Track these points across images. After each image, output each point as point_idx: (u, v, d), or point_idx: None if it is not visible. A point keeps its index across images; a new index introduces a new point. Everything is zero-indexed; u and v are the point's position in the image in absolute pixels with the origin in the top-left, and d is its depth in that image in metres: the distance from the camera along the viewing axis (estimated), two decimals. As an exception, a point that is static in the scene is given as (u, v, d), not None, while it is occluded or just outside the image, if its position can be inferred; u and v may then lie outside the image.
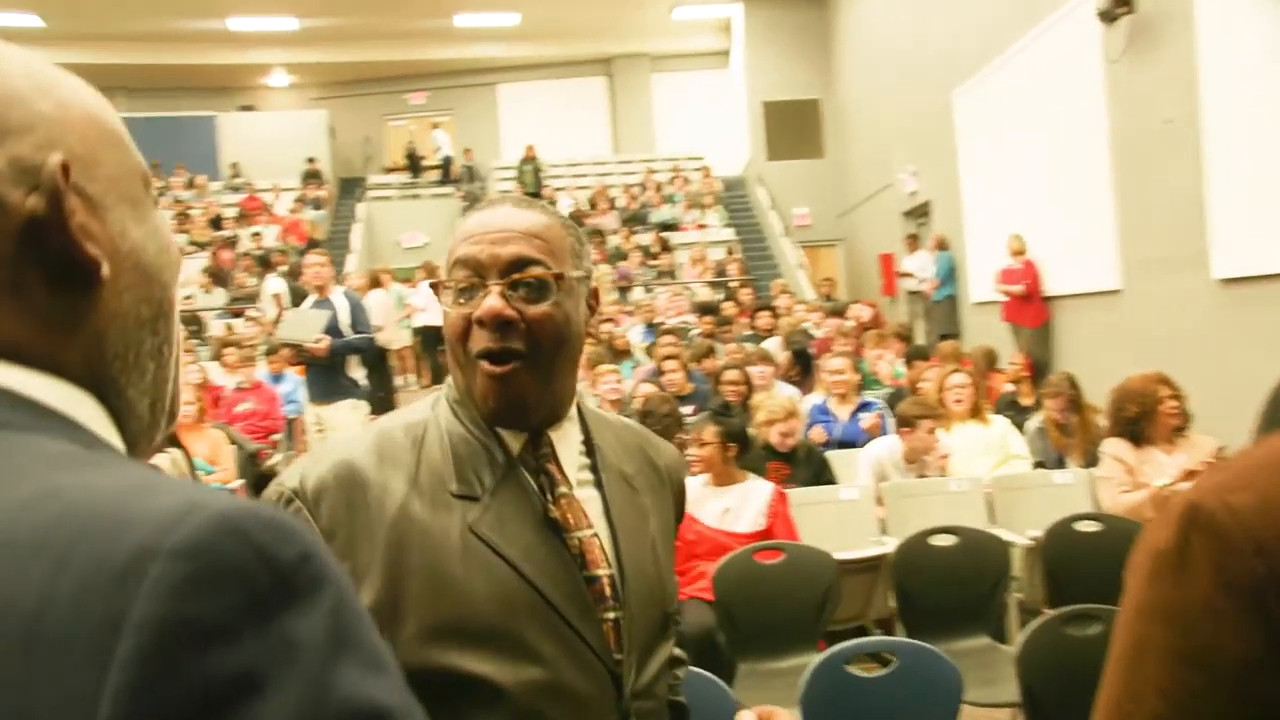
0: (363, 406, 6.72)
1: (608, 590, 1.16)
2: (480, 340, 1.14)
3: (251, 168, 18.48)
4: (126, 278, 0.61)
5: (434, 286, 1.20)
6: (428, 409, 1.22)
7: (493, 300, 1.13)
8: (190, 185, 17.89)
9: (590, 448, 1.25)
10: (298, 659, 0.43)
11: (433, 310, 12.83)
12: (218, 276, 13.82)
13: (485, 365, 1.14)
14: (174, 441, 4.85)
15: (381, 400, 11.33)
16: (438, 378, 13.01)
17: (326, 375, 6.60)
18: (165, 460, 4.89)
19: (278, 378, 8.62)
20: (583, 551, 1.16)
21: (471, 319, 1.14)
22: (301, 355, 6.69)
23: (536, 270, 1.15)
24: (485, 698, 1.06)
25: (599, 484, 1.23)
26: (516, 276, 1.15)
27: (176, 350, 0.67)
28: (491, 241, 1.16)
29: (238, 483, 6.76)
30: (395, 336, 11.65)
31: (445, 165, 19.11)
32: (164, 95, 19.42)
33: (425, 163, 19.73)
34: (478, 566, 1.09)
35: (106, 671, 0.41)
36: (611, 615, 1.16)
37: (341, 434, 6.56)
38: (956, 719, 2.49)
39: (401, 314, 12.95)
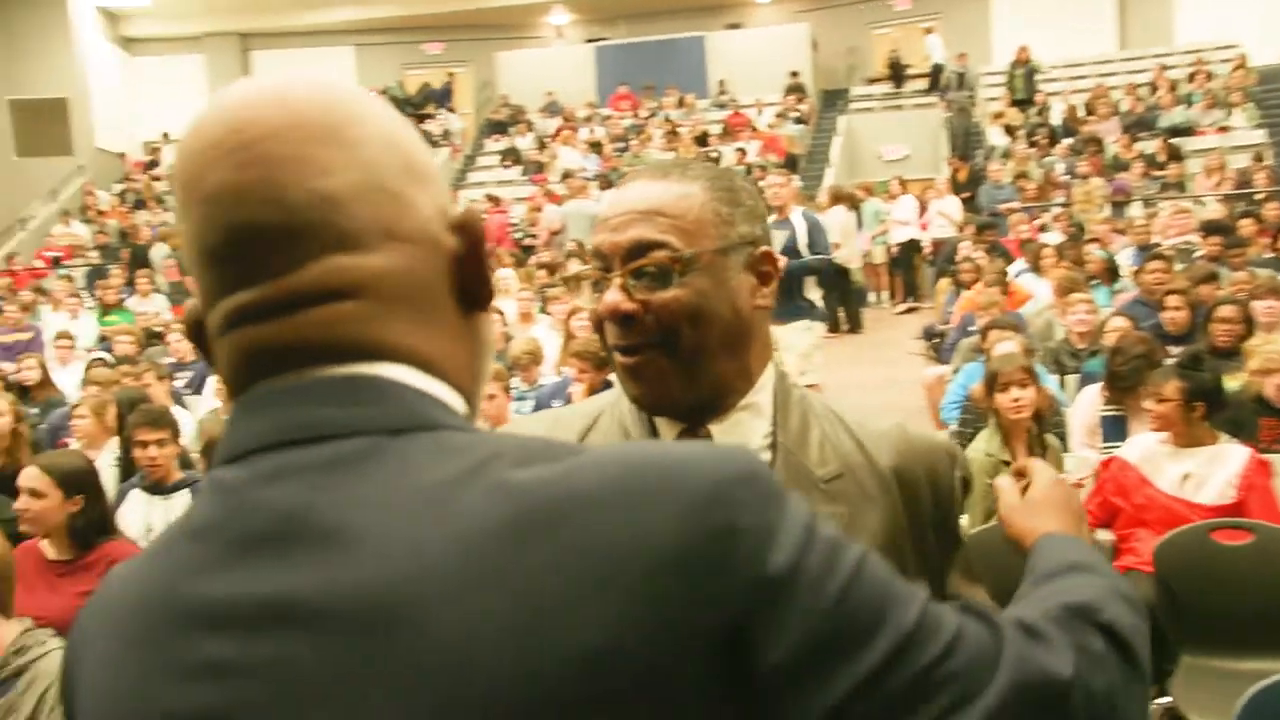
0: (817, 328, 6.79)
1: None
2: (611, 335, 1.07)
3: (737, 84, 19.13)
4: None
5: (569, 282, 1.16)
6: (615, 394, 1.17)
7: (611, 295, 1.05)
8: (680, 104, 18.96)
9: (774, 444, 1.11)
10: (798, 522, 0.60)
11: (912, 225, 12.54)
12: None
13: (619, 356, 1.08)
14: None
15: (838, 320, 11.43)
16: (912, 293, 12.77)
17: (782, 295, 6.68)
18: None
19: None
20: None
21: (599, 314, 1.08)
22: (759, 274, 6.86)
23: (658, 255, 1.04)
24: None
25: None
26: (635, 265, 1.05)
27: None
28: (613, 227, 1.07)
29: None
30: (854, 254, 11.53)
31: (935, 73, 18.14)
32: (659, 19, 20.63)
33: (910, 71, 19.04)
34: None
35: (728, 572, 0.57)
36: None
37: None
38: None
39: (877, 229, 12.82)
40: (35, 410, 6.49)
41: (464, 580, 0.55)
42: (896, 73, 19.02)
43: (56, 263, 15.80)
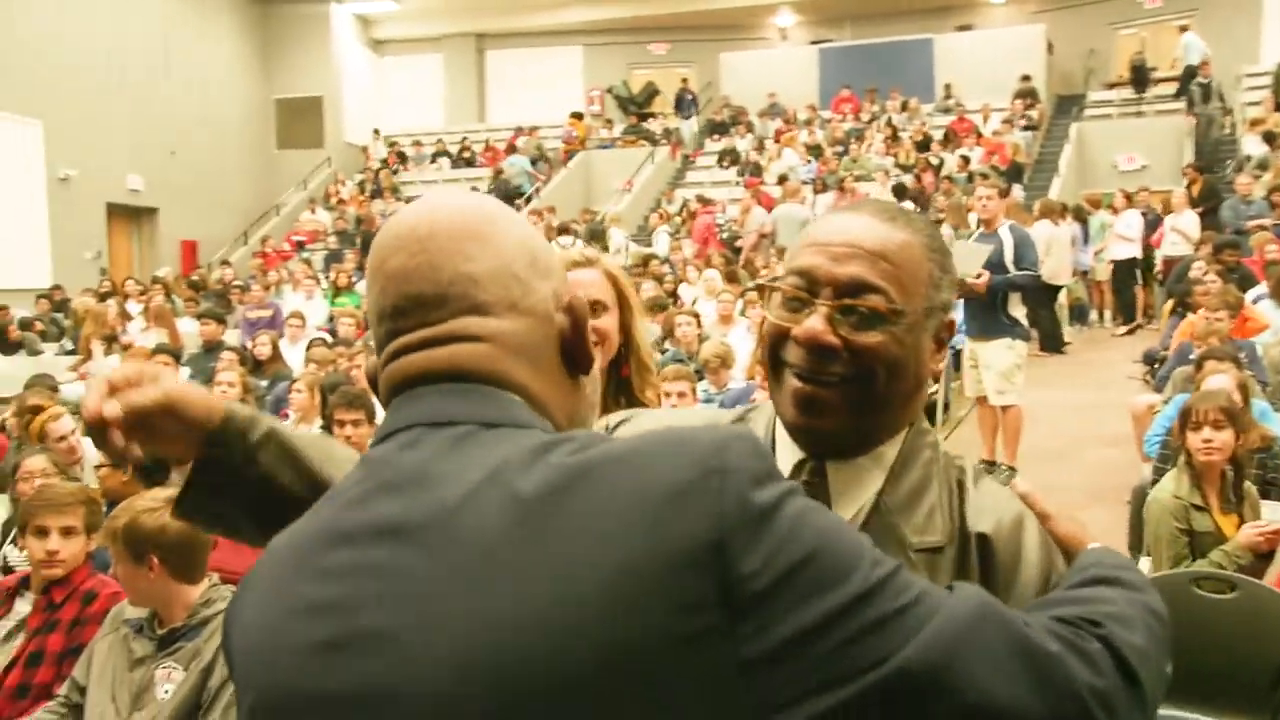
0: (1020, 346, 6.49)
1: None
2: (796, 358, 1.04)
3: (964, 88, 18.43)
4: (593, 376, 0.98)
5: (760, 290, 1.12)
6: (768, 410, 1.18)
7: (814, 321, 1.02)
8: (903, 108, 18.46)
9: (877, 502, 1.06)
10: (784, 482, 0.76)
11: (1135, 241, 11.76)
12: (917, 199, 14.17)
13: (796, 381, 1.04)
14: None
15: (1044, 340, 10.83)
16: (1130, 315, 11.97)
17: (985, 312, 6.48)
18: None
19: (948, 307, 8.64)
20: None
21: (789, 335, 1.05)
22: (961, 290, 6.63)
23: (873, 300, 1.02)
24: None
25: None
26: (849, 302, 1.02)
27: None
28: (833, 257, 1.04)
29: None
30: (1062, 270, 10.86)
31: (1186, 76, 16.50)
32: (887, 21, 20.16)
33: (1156, 74, 17.67)
34: None
35: (719, 496, 0.72)
36: None
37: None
38: None
39: (1101, 245, 12.08)
40: (264, 383, 7.09)
41: (516, 518, 0.75)
42: (1140, 76, 17.71)
43: (300, 246, 17.17)
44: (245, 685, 0.86)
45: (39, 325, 11.83)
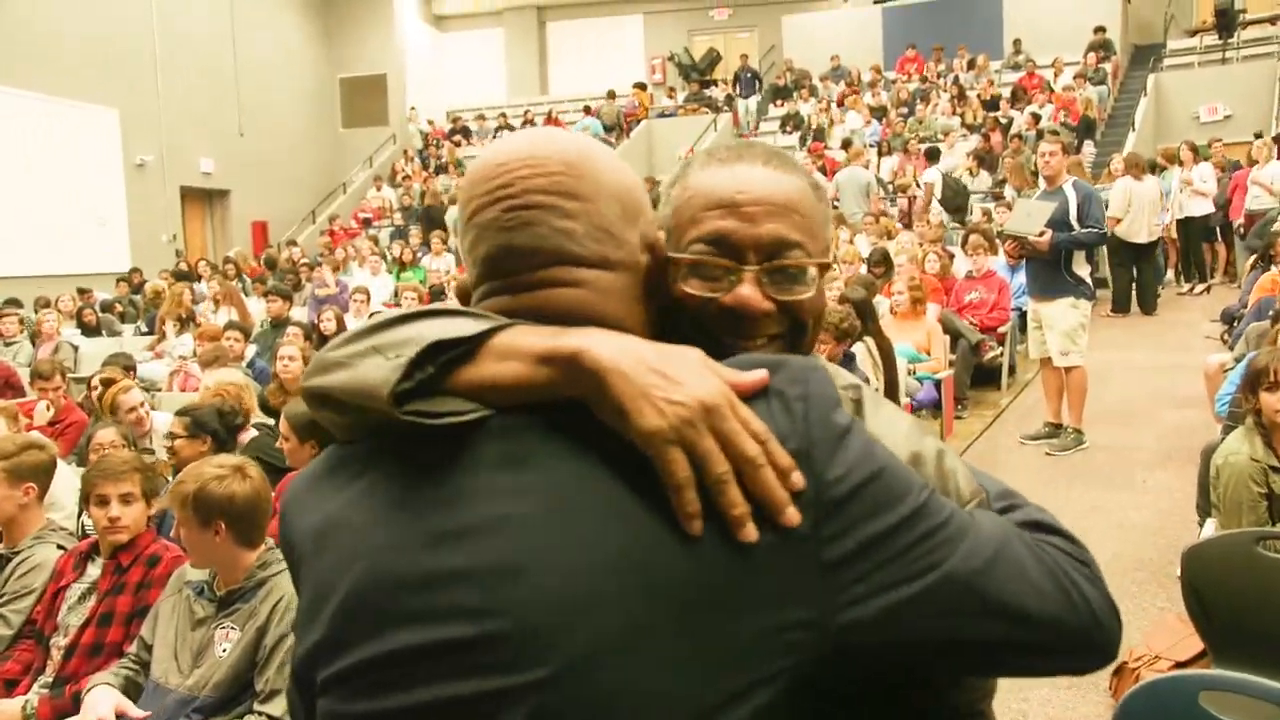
0: (1084, 305, 6.34)
1: None
2: (725, 324, 1.01)
3: (1034, 43, 17.90)
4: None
5: (674, 261, 1.02)
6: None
7: (747, 289, 1.00)
8: (970, 66, 18.02)
9: None
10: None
11: (1208, 197, 11.38)
12: (984, 160, 13.85)
13: (738, 345, 1.02)
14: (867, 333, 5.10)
15: (1128, 300, 10.53)
16: (1202, 274, 11.61)
17: (1048, 270, 6.34)
18: (860, 348, 5.20)
19: (1015, 269, 8.46)
20: None
21: (715, 304, 1.01)
22: (1024, 249, 6.49)
23: (797, 256, 1.01)
24: None
25: None
26: (777, 264, 1.01)
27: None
28: (747, 217, 1.01)
29: (946, 373, 6.91)
30: (1140, 228, 10.53)
31: None
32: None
33: (1246, 17, 16.87)
34: None
35: (806, 424, 0.82)
36: None
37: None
38: None
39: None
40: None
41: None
42: (1226, 20, 16.89)
43: (366, 223, 17.43)
44: (330, 579, 0.88)
45: (118, 307, 12.22)
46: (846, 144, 15.01)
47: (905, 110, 17.08)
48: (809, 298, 1.03)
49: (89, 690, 2.63)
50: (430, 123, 21.40)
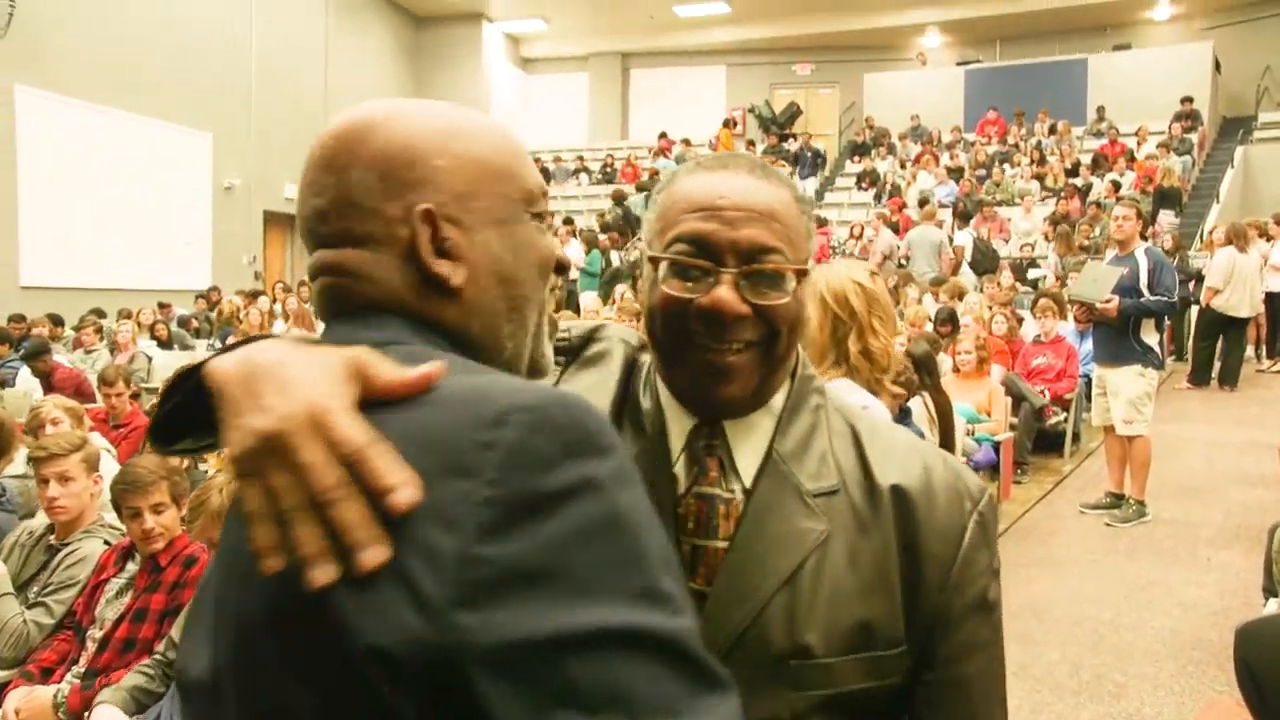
0: (1151, 374, 6.18)
1: None
2: (700, 327, 1.02)
3: (1119, 110, 17.66)
4: (485, 280, 0.86)
5: (653, 261, 1.05)
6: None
7: (723, 291, 1.00)
8: (1052, 131, 17.82)
9: (769, 450, 1.06)
10: (596, 485, 0.66)
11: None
12: (1060, 224, 13.65)
13: (699, 353, 1.02)
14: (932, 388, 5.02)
15: (1195, 371, 10.21)
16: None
17: (1115, 337, 6.21)
18: (917, 403, 5.12)
19: (1084, 334, 8.30)
20: (694, 562, 1.04)
21: (693, 307, 1.01)
22: (1092, 314, 6.36)
23: (775, 261, 1.02)
24: None
25: (751, 490, 1.06)
26: (755, 268, 1.01)
27: (533, 326, 0.91)
28: (726, 221, 1.01)
29: (1005, 435, 6.77)
30: (1241, 302, 10.24)
31: None
32: (1038, 41, 19.55)
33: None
34: None
35: (482, 476, 0.65)
36: None
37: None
38: None
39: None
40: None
41: None
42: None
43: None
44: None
45: (194, 323, 12.59)
46: (923, 202, 14.91)
47: (983, 172, 16.94)
48: (785, 303, 1.02)
49: (95, 707, 2.69)
50: (537, 157, 21.76)
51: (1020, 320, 9.49)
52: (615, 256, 14.45)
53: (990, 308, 9.46)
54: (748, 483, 1.06)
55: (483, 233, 0.86)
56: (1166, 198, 13.87)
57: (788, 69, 22.50)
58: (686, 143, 19.98)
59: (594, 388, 1.14)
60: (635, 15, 21.24)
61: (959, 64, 20.37)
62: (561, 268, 0.94)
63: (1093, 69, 18.85)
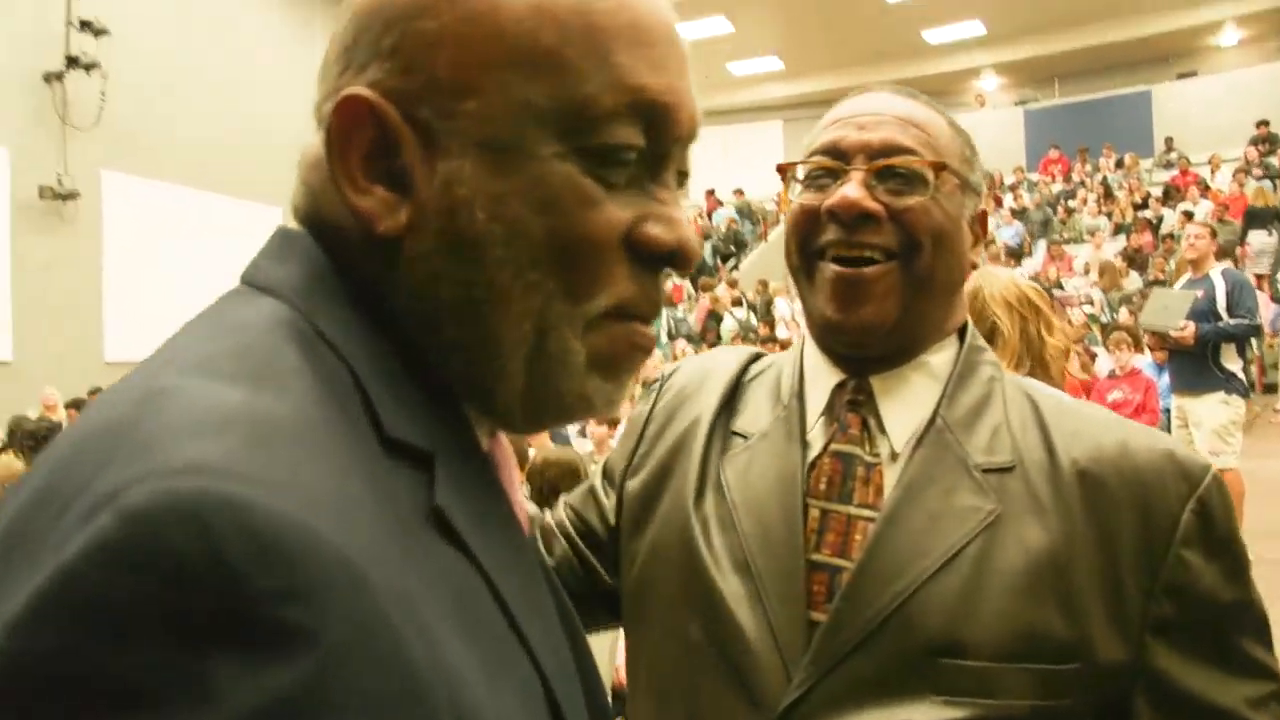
0: (1236, 402, 5.93)
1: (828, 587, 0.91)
2: (833, 235, 0.93)
3: (1188, 140, 17.29)
4: (433, 239, 0.53)
5: (780, 170, 0.99)
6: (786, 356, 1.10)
7: (851, 188, 0.91)
8: (1119, 165, 17.51)
9: (933, 417, 0.95)
10: (197, 708, 0.34)
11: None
12: (1134, 260, 13.35)
13: (835, 267, 0.93)
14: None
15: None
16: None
17: (1194, 364, 5.99)
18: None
19: (1163, 367, 8.02)
20: (822, 528, 0.93)
21: (821, 210, 0.94)
22: (1166, 343, 6.16)
23: (912, 159, 0.93)
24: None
25: (908, 458, 0.94)
26: (885, 163, 0.93)
27: (525, 338, 0.54)
28: (859, 125, 0.95)
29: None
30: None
31: None
32: (1098, 76, 19.32)
33: None
34: (708, 511, 0.98)
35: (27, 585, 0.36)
36: (819, 617, 0.90)
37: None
38: None
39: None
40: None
41: None
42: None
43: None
44: None
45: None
46: (988, 244, 14.71)
47: (1049, 210, 16.69)
48: (922, 204, 0.92)
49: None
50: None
51: (1093, 356, 9.24)
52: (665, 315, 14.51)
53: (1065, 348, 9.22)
54: (898, 448, 0.95)
55: (459, 157, 0.52)
56: (1257, 218, 13.41)
57: (844, 119, 22.57)
58: (739, 193, 20.06)
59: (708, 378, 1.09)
60: (691, 74, 21.57)
61: (1017, 104, 20.21)
62: (652, 254, 0.56)
63: (1157, 99, 18.54)
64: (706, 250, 16.81)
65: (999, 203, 17.16)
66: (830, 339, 0.99)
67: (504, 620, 0.51)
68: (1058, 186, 17.62)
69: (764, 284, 15.14)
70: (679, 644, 0.96)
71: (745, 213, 19.20)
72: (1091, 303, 12.82)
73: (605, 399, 0.57)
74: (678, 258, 0.57)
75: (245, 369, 0.45)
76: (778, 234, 19.32)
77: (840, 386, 0.98)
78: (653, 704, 0.99)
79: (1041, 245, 15.31)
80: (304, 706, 0.35)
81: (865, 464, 0.95)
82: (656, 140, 0.57)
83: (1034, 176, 18.46)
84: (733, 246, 17.70)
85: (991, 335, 2.31)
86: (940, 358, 0.98)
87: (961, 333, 1.01)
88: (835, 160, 0.94)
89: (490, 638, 0.49)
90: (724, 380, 1.06)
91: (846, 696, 0.86)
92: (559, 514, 1.15)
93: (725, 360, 1.11)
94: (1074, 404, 1.01)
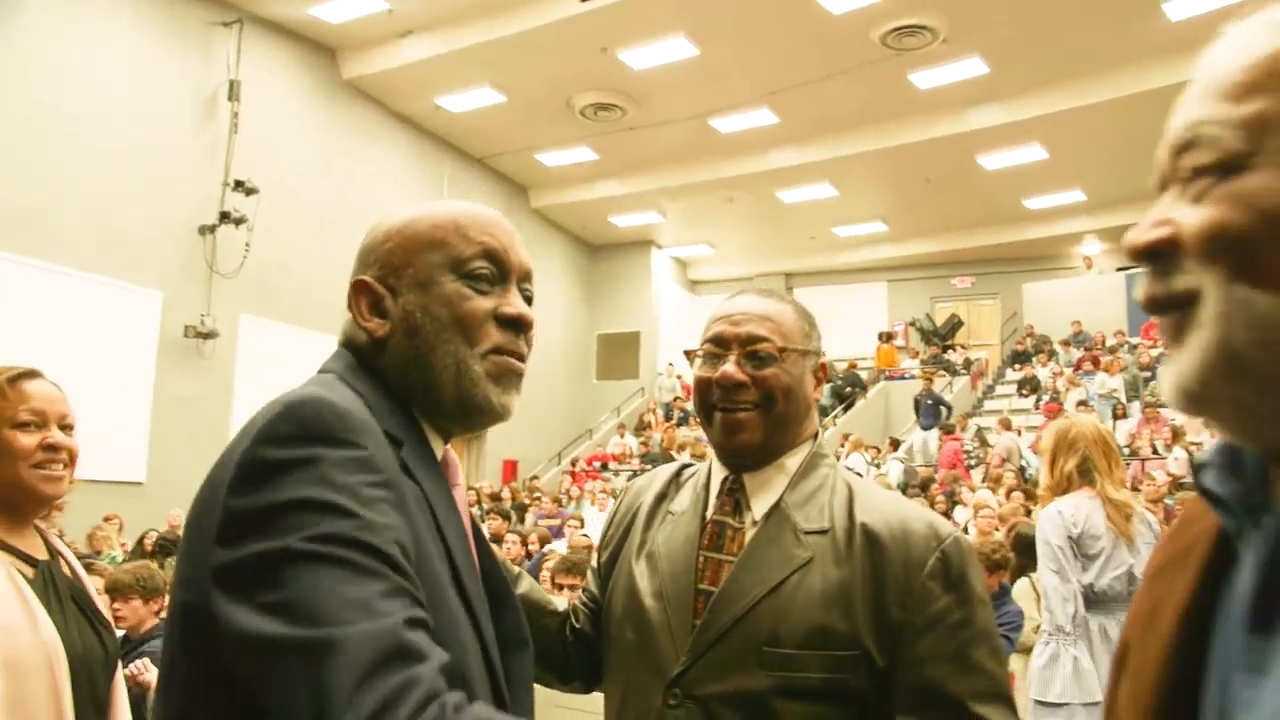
0: None
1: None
2: (718, 397, 1.47)
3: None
4: (399, 337, 1.13)
5: (687, 354, 1.56)
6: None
7: (729, 367, 1.46)
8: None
9: (779, 499, 1.46)
10: (318, 457, 0.94)
11: None
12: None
13: (721, 415, 1.47)
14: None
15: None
16: None
17: None
18: (1024, 584, 5.21)
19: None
20: (704, 568, 1.45)
21: (713, 380, 1.47)
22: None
23: (766, 345, 1.46)
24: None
25: (760, 525, 1.45)
26: (750, 349, 1.46)
27: (450, 368, 1.12)
28: (734, 322, 1.49)
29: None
30: None
31: None
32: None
33: None
34: (644, 561, 1.53)
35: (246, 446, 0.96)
36: (698, 622, 1.41)
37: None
38: None
39: None
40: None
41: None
42: None
43: (604, 466, 18.50)
44: None
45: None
46: (1082, 404, 14.70)
47: (1148, 374, 16.56)
48: (774, 373, 1.46)
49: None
50: (679, 378, 22.72)
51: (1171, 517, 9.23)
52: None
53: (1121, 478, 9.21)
54: (757, 518, 1.46)
55: (406, 295, 1.12)
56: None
57: (947, 282, 22.84)
58: (853, 365, 20.46)
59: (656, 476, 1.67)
60: (797, 237, 22.18)
61: (1119, 269, 20.23)
62: (506, 322, 1.15)
63: (1260, 270, 18.22)
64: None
65: (1096, 364, 17.13)
66: (722, 455, 1.53)
67: (441, 540, 1.04)
68: (1157, 350, 17.47)
69: (845, 436, 15.42)
70: (621, 643, 1.49)
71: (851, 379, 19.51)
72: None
73: (500, 401, 1.15)
74: (521, 323, 1.16)
75: (324, 386, 1.05)
76: (876, 392, 19.55)
77: (726, 480, 1.52)
78: (611, 684, 1.53)
79: (1135, 407, 15.19)
80: (360, 464, 0.95)
81: (732, 528, 1.48)
82: (498, 268, 1.16)
83: (1134, 340, 18.37)
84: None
85: (1084, 463, 3.37)
86: (793, 460, 1.50)
87: (815, 438, 1.54)
88: (719, 348, 1.50)
89: (431, 537, 1.03)
90: (663, 481, 1.64)
91: (711, 670, 1.37)
92: (579, 593, 1.70)
93: (666, 470, 1.68)
94: (877, 490, 1.50)
